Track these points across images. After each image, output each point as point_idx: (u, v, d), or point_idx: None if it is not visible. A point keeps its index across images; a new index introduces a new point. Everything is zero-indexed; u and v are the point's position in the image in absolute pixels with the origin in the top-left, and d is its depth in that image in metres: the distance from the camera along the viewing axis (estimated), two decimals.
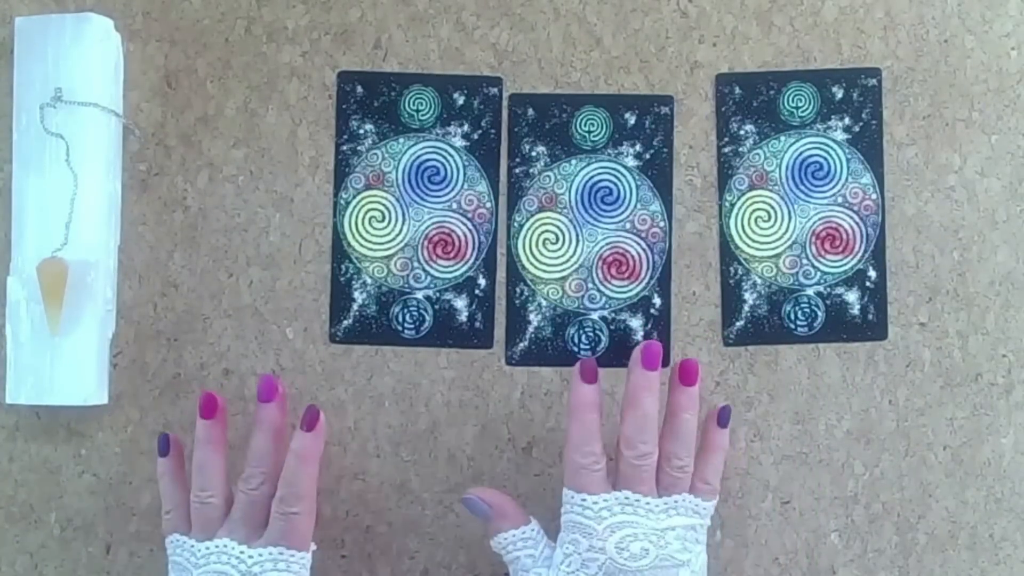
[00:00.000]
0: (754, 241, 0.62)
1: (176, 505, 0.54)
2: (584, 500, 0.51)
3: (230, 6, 0.63)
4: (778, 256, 0.62)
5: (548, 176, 0.62)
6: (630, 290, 0.62)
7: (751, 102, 0.62)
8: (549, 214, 0.62)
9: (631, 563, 0.50)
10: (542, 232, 0.62)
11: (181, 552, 0.52)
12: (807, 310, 0.62)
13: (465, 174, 0.62)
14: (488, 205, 0.62)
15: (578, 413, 0.52)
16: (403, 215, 0.62)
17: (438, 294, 0.62)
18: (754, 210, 0.62)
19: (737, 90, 0.62)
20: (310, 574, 0.52)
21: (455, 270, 0.62)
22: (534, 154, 0.62)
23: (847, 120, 0.62)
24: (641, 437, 0.52)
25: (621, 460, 0.52)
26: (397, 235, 0.62)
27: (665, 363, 0.61)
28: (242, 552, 0.51)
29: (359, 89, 0.62)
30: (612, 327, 0.62)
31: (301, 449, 0.52)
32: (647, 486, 0.52)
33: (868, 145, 0.62)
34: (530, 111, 0.62)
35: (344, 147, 0.62)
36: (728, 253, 0.62)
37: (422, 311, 0.62)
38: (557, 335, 0.62)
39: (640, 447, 0.52)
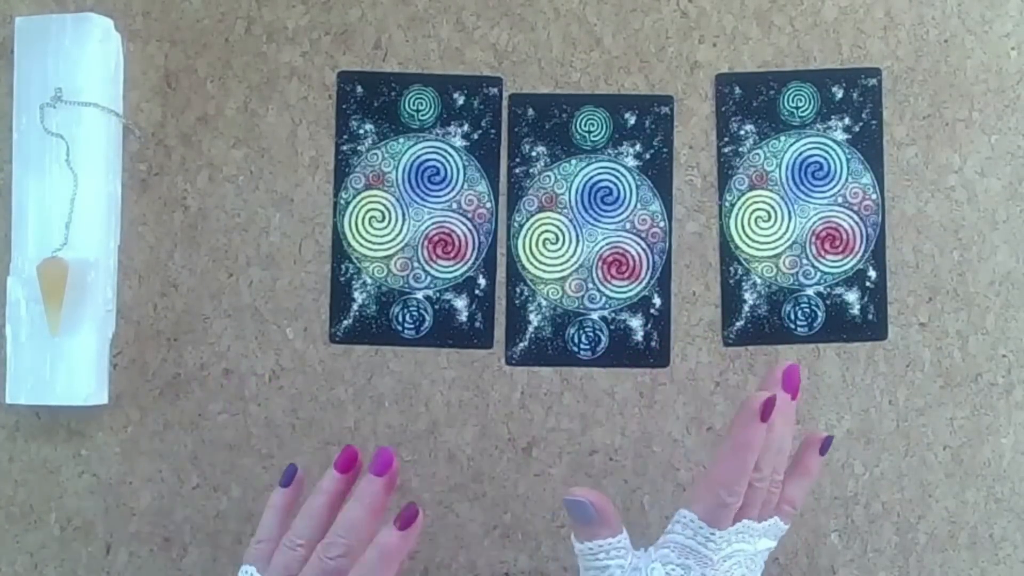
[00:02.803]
0: (754, 241, 0.62)
1: (269, 539, 0.49)
2: (713, 534, 0.48)
3: (230, 6, 0.63)
4: (778, 256, 0.62)
5: (548, 176, 0.62)
6: (630, 290, 0.62)
7: (751, 102, 0.62)
8: (549, 214, 0.62)
9: None
10: (542, 232, 0.62)
11: None
12: (807, 310, 0.62)
13: (465, 174, 0.62)
14: (488, 205, 0.62)
15: (740, 451, 0.48)
16: (403, 215, 0.62)
17: (438, 294, 0.62)
18: (754, 210, 0.62)
19: (737, 90, 0.62)
20: None
21: (455, 270, 0.62)
22: (534, 154, 0.62)
23: (847, 120, 0.62)
24: (772, 462, 0.49)
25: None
26: (397, 235, 0.62)
27: (664, 363, 0.61)
28: None
29: (359, 89, 0.62)
30: (612, 327, 0.62)
31: (388, 547, 0.46)
32: (758, 509, 0.49)
33: (868, 145, 0.62)
34: (530, 111, 0.62)
35: (344, 147, 0.62)
36: (728, 253, 0.62)
37: (422, 311, 0.62)
38: (557, 335, 0.62)
39: (765, 470, 0.49)
